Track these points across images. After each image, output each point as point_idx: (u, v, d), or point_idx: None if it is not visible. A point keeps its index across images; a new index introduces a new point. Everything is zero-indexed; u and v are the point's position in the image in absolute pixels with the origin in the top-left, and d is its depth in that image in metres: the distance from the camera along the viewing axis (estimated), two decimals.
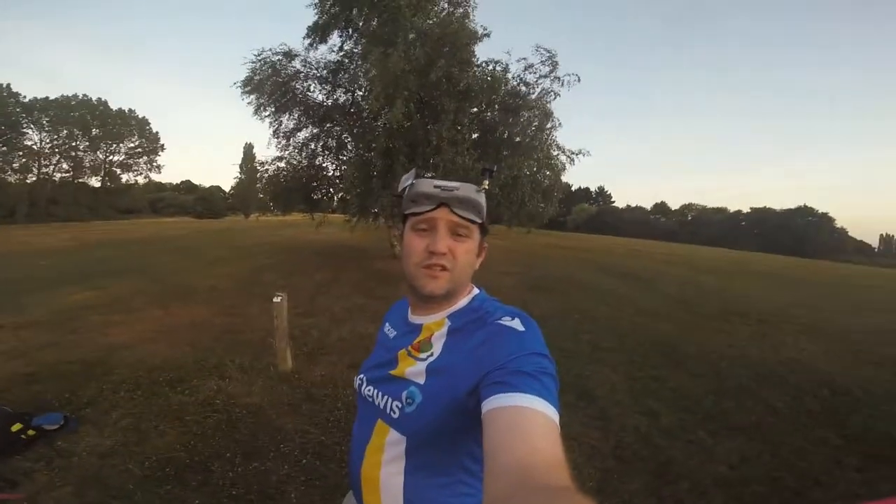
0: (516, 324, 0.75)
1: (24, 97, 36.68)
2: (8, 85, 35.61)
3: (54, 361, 3.99)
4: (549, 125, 10.55)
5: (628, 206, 73.50)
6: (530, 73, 9.74)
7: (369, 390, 0.87)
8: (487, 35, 9.93)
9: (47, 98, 38.24)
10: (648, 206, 74.23)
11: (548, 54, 9.50)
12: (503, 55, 9.98)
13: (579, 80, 9.81)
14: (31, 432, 2.64)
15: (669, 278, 11.79)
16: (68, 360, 4.02)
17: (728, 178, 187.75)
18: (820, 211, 58.33)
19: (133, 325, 5.23)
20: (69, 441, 2.71)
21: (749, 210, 63.78)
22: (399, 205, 0.88)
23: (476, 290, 0.90)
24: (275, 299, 3.84)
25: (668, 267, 14.72)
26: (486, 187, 0.84)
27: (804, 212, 58.43)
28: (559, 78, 9.70)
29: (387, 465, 0.79)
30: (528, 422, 0.57)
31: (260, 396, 3.44)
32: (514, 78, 9.90)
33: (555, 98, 10.03)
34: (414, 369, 0.80)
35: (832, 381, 4.34)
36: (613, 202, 75.57)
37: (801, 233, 54.51)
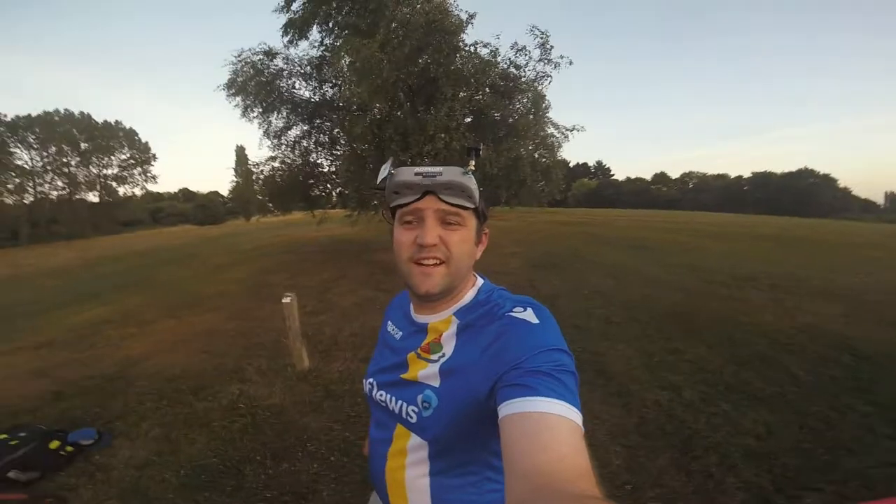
0: (529, 315, 0.72)
1: (6, 116, 35.91)
2: None
3: (78, 378, 4.07)
4: (543, 105, 10.47)
5: (628, 178, 72.78)
6: (521, 55, 9.59)
7: (381, 395, 0.84)
8: (472, 20, 9.72)
9: (30, 115, 37.40)
10: (648, 177, 73.50)
11: (540, 36, 9.32)
12: (493, 39, 9.83)
13: (571, 62, 9.68)
14: (68, 448, 2.71)
15: (675, 246, 11.64)
16: (91, 376, 4.09)
17: (727, 145, 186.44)
18: (822, 172, 57.97)
19: (148, 336, 5.28)
20: (105, 455, 2.78)
21: (750, 175, 63.26)
22: (383, 198, 0.82)
23: (480, 281, 0.86)
24: (284, 300, 3.82)
25: (673, 235, 14.58)
26: (473, 168, 0.77)
27: (805, 174, 57.90)
28: (551, 60, 9.54)
29: (411, 467, 0.78)
30: (550, 429, 0.54)
31: (281, 397, 3.48)
32: (503, 61, 9.73)
33: (549, 82, 9.89)
34: (426, 372, 0.77)
35: (853, 347, 4.16)
36: (613, 175, 74.77)
37: (804, 194, 54.07)
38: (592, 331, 4.78)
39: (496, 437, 0.59)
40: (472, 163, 0.79)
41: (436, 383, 0.75)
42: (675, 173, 74.38)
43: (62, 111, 39.57)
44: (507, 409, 0.59)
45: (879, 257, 9.95)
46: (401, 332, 0.89)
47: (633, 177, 72.06)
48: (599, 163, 75.53)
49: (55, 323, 6.23)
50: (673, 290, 6.61)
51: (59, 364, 4.49)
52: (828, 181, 57.45)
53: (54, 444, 2.66)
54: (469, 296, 0.82)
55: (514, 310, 0.74)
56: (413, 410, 0.76)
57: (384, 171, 0.78)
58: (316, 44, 10.71)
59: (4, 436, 2.66)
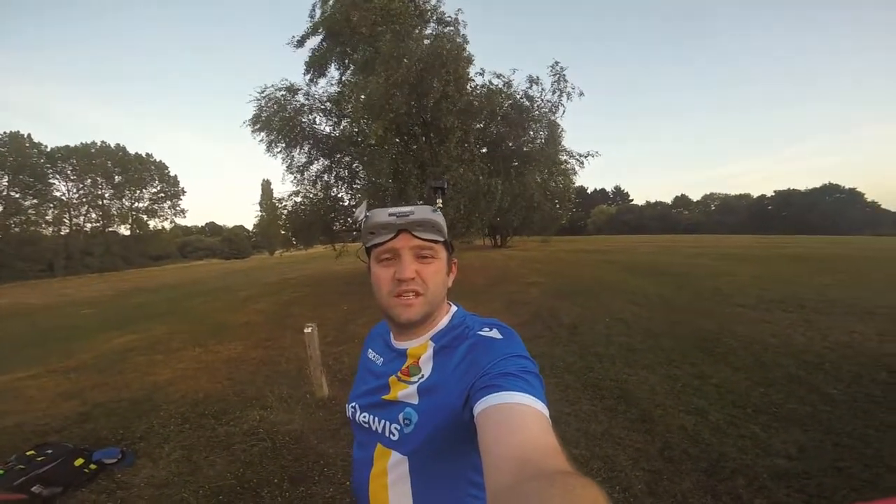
0: (494, 333, 0.79)
1: (46, 147, 36.29)
2: (29, 135, 34.96)
3: (105, 400, 4.22)
4: (558, 131, 10.62)
5: (648, 202, 71.89)
6: (536, 85, 9.82)
7: (364, 417, 0.87)
8: (472, 62, 9.86)
9: (68, 146, 37.94)
10: (669, 200, 72.36)
11: (557, 66, 9.54)
12: (506, 69, 10.10)
13: (582, 94, 9.89)
14: (92, 466, 2.81)
15: (699, 271, 11.41)
16: (118, 399, 4.24)
17: (749, 163, 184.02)
18: (847, 187, 56.38)
19: (174, 363, 5.41)
20: (128, 474, 2.86)
21: (773, 193, 61.84)
22: (359, 237, 0.88)
23: (454, 308, 0.92)
24: (305, 330, 3.93)
25: (697, 259, 14.30)
26: (441, 205, 0.85)
27: (830, 189, 56.46)
28: (563, 91, 9.76)
29: (393, 486, 0.79)
30: (518, 416, 0.59)
31: (301, 423, 3.51)
32: (517, 93, 9.95)
33: (563, 113, 10.08)
34: (406, 392, 0.81)
35: (890, 365, 4.01)
36: (632, 200, 74.19)
37: (831, 211, 52.64)
38: (614, 358, 4.69)
39: (476, 452, 0.62)
40: (440, 200, 0.88)
41: (415, 401, 0.79)
42: (696, 195, 73.52)
43: (98, 143, 40.19)
44: (479, 406, 0.64)
45: None
46: (381, 358, 0.93)
47: (653, 201, 71.18)
48: (618, 188, 75.46)
49: (86, 349, 6.45)
50: (697, 315, 6.46)
51: (88, 387, 4.66)
52: (855, 196, 55.64)
53: (79, 462, 2.75)
54: (444, 322, 0.87)
55: (482, 330, 0.81)
56: (395, 428, 0.79)
57: (360, 214, 0.85)
58: (334, 81, 11.14)
59: (32, 452, 2.76)
